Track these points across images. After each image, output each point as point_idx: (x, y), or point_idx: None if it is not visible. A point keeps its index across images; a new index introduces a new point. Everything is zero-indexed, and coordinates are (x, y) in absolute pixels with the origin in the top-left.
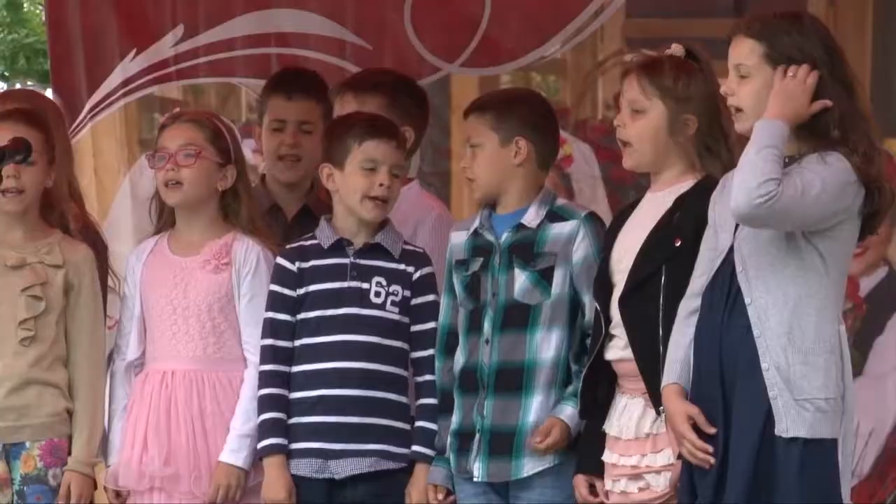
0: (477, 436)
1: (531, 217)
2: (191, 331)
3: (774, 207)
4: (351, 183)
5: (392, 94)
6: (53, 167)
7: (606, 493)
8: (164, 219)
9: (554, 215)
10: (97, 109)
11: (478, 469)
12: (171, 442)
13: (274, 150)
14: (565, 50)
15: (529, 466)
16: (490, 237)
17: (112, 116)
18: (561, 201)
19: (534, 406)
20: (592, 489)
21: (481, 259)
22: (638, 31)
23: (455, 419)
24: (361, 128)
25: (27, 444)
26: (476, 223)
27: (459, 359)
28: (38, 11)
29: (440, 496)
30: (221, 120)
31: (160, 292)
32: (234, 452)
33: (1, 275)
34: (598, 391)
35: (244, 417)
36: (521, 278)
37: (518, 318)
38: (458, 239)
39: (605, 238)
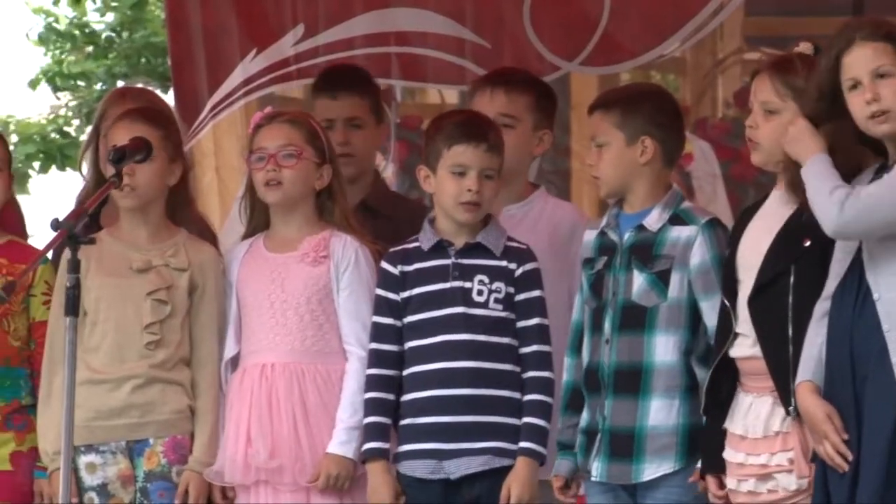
0: (598, 435)
1: (653, 219)
2: (289, 324)
3: (857, 207)
4: (443, 187)
5: (538, 97)
6: (176, 165)
7: (727, 493)
8: (256, 218)
9: (676, 218)
10: (218, 109)
11: (596, 469)
12: (275, 434)
13: None
14: (685, 48)
15: (650, 471)
16: (614, 237)
17: (233, 116)
18: (686, 204)
19: (652, 409)
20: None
21: (605, 258)
22: (757, 30)
23: (584, 417)
24: (450, 131)
25: (151, 441)
26: (604, 222)
27: (585, 357)
28: (158, 12)
29: (558, 485)
30: (315, 119)
31: (257, 288)
32: (343, 444)
33: (126, 278)
34: (722, 389)
35: (350, 410)
36: (638, 279)
37: (635, 319)
38: (588, 237)
39: (731, 236)
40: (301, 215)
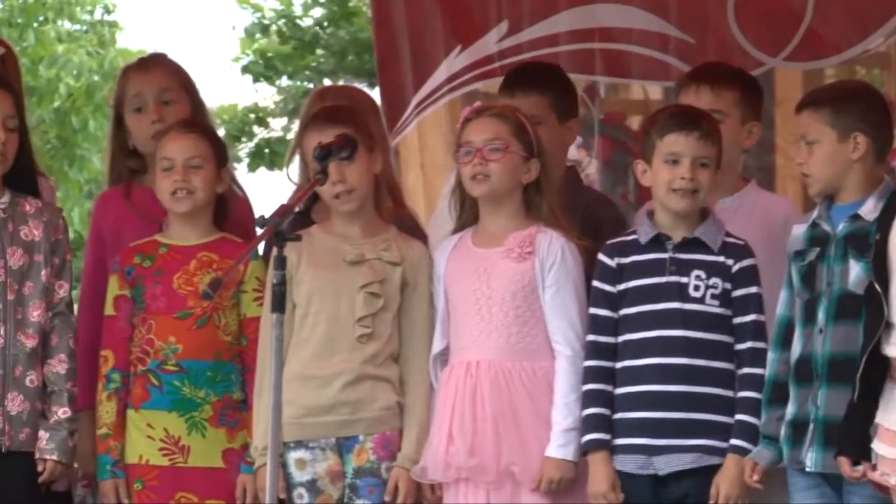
0: (811, 426)
1: (868, 209)
2: (494, 320)
3: None
4: (657, 177)
5: (744, 91)
6: (376, 155)
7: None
8: (466, 213)
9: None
10: (423, 106)
11: (811, 459)
12: (477, 432)
13: None
14: (889, 43)
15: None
16: (827, 227)
17: (437, 112)
18: None
19: None
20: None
21: (818, 249)
22: None
23: (790, 409)
24: (663, 121)
25: (360, 438)
26: (815, 214)
27: (796, 349)
28: (365, 8)
29: (756, 476)
30: (523, 114)
31: (464, 283)
32: (561, 447)
33: (340, 270)
34: (873, 378)
35: (565, 411)
36: (855, 269)
37: (852, 308)
38: (798, 230)
39: (882, 219)
40: (508, 210)
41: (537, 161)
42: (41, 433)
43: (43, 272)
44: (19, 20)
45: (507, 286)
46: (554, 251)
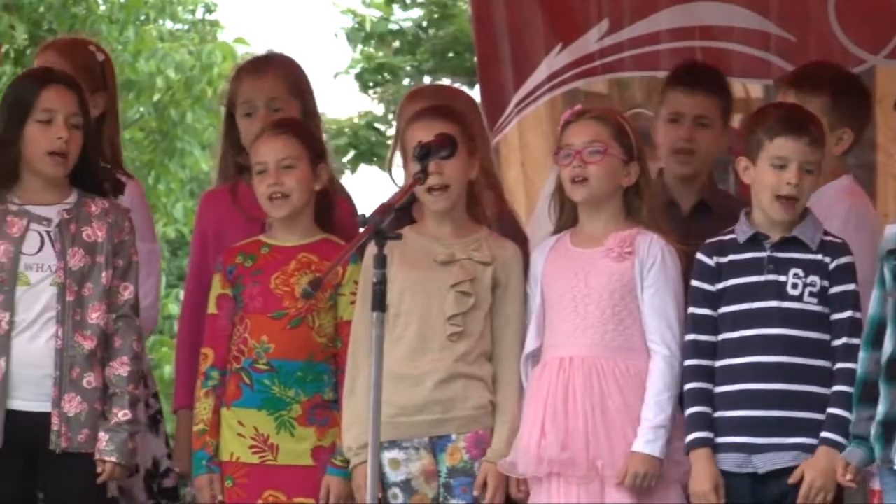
0: None
1: None
2: (590, 318)
3: None
4: (762, 179)
5: (833, 96)
6: (475, 159)
7: None
8: (565, 216)
9: None
10: (523, 104)
11: None
12: (569, 427)
13: (670, 144)
14: None
15: None
16: None
17: (538, 111)
18: None
19: None
20: None
21: None
22: None
23: (881, 409)
24: (773, 123)
25: (453, 437)
26: None
27: (887, 348)
28: (465, 6)
29: (849, 476)
30: (623, 116)
31: (561, 282)
32: (648, 443)
33: (431, 270)
34: None
35: (656, 409)
36: None
37: None
38: (891, 230)
39: None
40: (608, 212)
41: (637, 164)
42: (101, 435)
43: (104, 274)
44: (120, 17)
45: (606, 284)
46: (654, 253)
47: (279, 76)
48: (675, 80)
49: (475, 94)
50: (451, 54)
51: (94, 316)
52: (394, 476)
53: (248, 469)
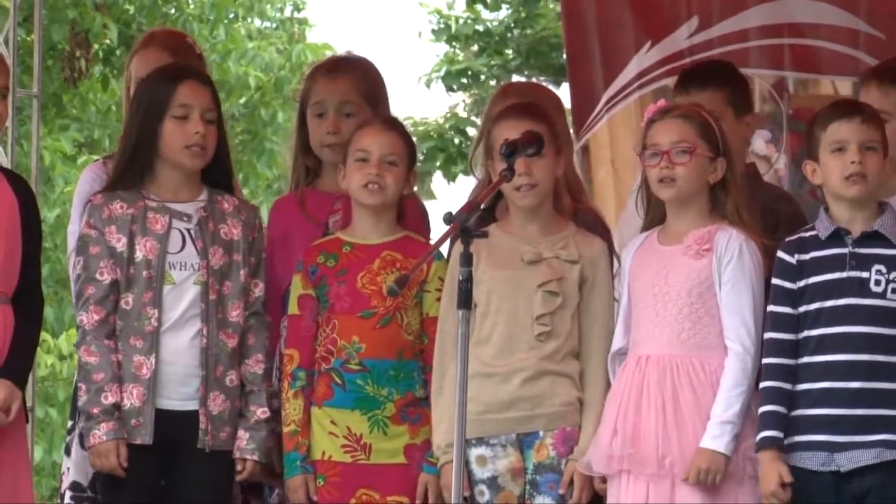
0: None
1: None
2: (668, 316)
3: None
4: (827, 169)
5: None
6: (561, 158)
7: None
8: (653, 212)
9: None
10: (613, 102)
11: None
12: (639, 425)
13: None
14: None
15: None
16: None
17: (628, 108)
18: None
19: None
20: None
21: None
22: None
23: None
24: (823, 114)
25: (540, 434)
26: None
27: None
28: (552, 6)
29: None
30: (708, 111)
31: (644, 280)
32: (714, 438)
33: (518, 270)
34: None
35: (725, 405)
36: None
37: None
38: None
39: None
40: (694, 210)
41: (723, 159)
42: (241, 433)
43: (241, 272)
44: (210, 17)
45: (684, 283)
46: (731, 249)
47: (354, 80)
48: (675, 89)
49: (559, 92)
50: (537, 54)
51: (235, 314)
52: (480, 473)
53: (341, 468)
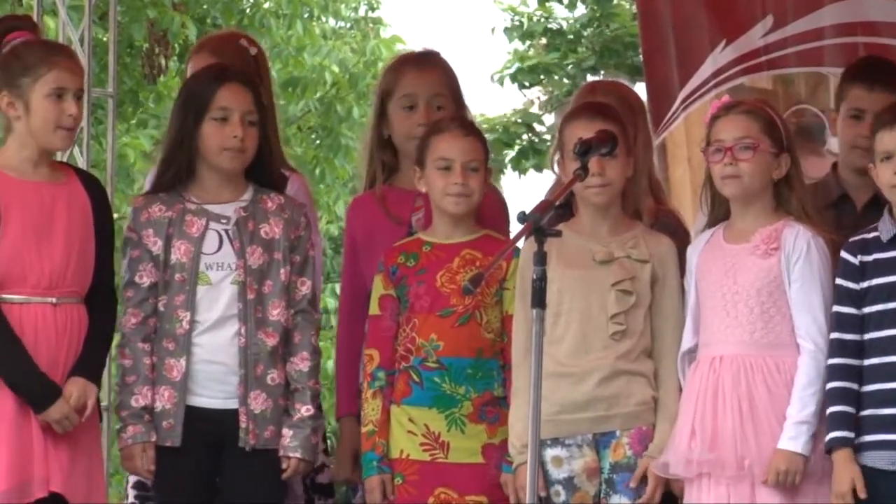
0: None
1: None
2: (739, 316)
3: None
4: (878, 178)
5: None
6: (631, 157)
7: None
8: (717, 209)
9: None
10: (689, 100)
11: None
12: (717, 427)
13: (850, 140)
14: None
15: None
16: None
17: (704, 107)
18: None
19: None
20: None
21: None
22: None
23: None
24: (878, 119)
25: (616, 433)
26: None
27: None
28: (627, 5)
29: None
30: (771, 106)
31: (712, 279)
32: (792, 439)
33: (590, 269)
34: None
35: (800, 405)
36: None
37: None
38: None
39: None
40: (759, 206)
41: (787, 155)
42: (285, 431)
43: (282, 270)
44: (286, 12)
45: (753, 282)
46: (800, 246)
47: (444, 73)
48: (855, 76)
49: (636, 91)
50: (612, 52)
51: (275, 313)
52: (556, 474)
53: (419, 466)
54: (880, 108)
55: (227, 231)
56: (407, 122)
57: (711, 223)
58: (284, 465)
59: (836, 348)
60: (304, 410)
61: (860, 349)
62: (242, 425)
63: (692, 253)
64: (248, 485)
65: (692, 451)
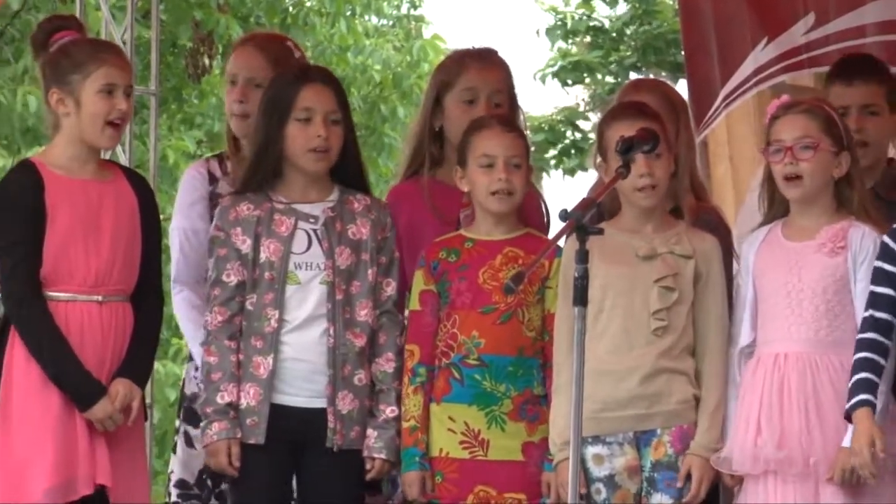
0: None
1: None
2: (804, 314)
3: None
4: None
5: None
6: (671, 155)
7: None
8: (776, 207)
9: None
10: (731, 98)
11: None
12: (784, 425)
13: None
14: None
15: None
16: None
17: (745, 105)
18: None
19: None
20: None
21: None
22: None
23: None
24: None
25: (658, 432)
26: None
27: None
28: (670, 2)
29: None
30: (831, 105)
31: (773, 276)
32: None
33: (632, 266)
34: None
35: None
36: None
37: None
38: None
39: None
40: (820, 205)
41: (847, 154)
42: (370, 431)
43: (370, 271)
44: (329, 10)
45: (819, 280)
46: (866, 246)
47: (504, 72)
48: (832, 77)
49: (678, 88)
50: (654, 49)
51: (363, 313)
52: (597, 471)
53: (459, 464)
54: (863, 101)
55: (315, 231)
56: (465, 116)
57: (768, 220)
58: (369, 466)
59: (867, 324)
60: (389, 412)
61: (891, 329)
62: (330, 425)
63: (748, 250)
64: (333, 485)
65: (759, 448)
